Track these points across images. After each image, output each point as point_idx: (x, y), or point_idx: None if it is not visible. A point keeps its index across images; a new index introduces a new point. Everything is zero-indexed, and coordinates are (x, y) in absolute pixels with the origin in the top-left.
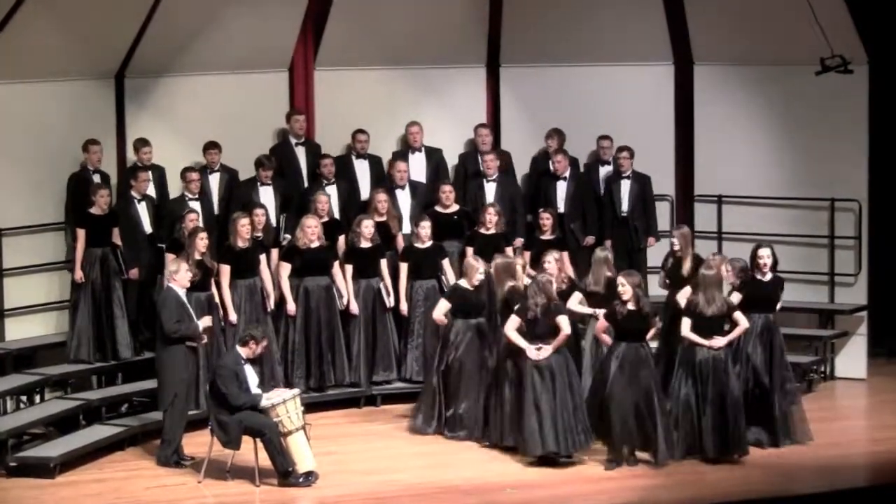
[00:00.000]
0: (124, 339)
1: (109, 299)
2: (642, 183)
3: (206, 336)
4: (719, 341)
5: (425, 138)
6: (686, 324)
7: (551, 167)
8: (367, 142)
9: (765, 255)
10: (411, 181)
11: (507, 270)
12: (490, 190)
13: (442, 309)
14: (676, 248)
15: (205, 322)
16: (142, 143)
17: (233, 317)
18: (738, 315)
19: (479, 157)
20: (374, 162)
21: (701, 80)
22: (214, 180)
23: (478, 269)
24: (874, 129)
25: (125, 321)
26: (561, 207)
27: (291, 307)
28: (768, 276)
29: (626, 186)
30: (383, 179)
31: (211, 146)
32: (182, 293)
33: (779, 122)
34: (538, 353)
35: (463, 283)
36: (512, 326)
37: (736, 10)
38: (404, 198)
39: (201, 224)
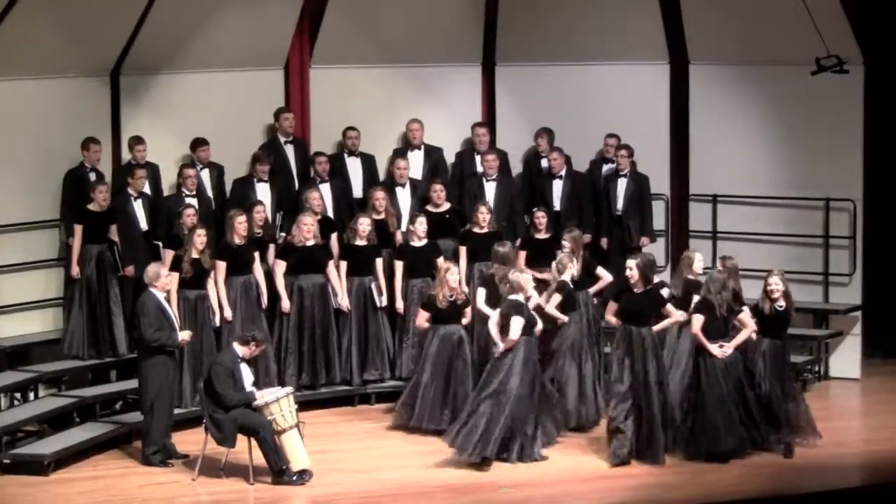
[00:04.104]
0: (121, 336)
1: (106, 296)
2: (639, 182)
3: (184, 344)
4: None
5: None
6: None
7: (545, 165)
8: (358, 138)
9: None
10: (412, 179)
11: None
12: (490, 189)
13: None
14: (567, 249)
15: (184, 335)
16: (136, 140)
17: (228, 313)
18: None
19: (479, 157)
20: (367, 160)
21: (697, 79)
22: (205, 176)
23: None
24: (869, 129)
25: (122, 318)
26: (557, 206)
27: (286, 304)
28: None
29: (622, 185)
30: (376, 177)
31: (202, 143)
32: (162, 298)
33: (774, 122)
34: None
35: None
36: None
37: (732, 10)
38: (404, 196)
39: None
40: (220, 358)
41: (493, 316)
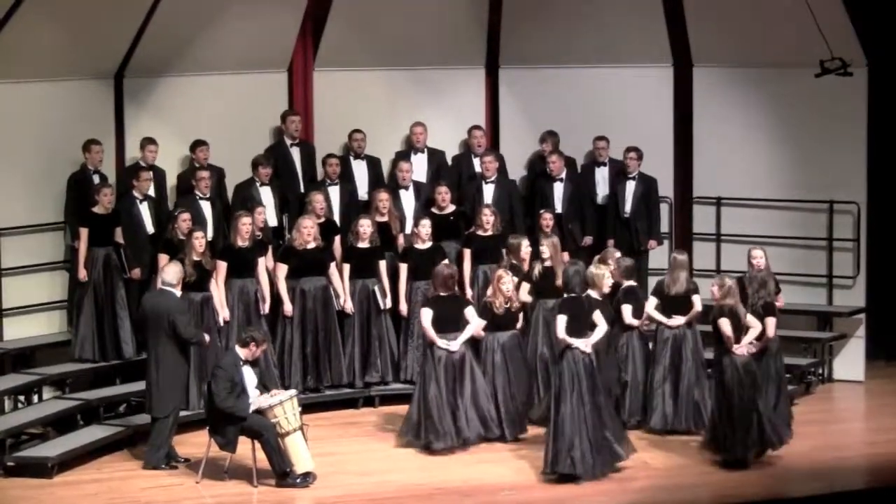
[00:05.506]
0: (128, 338)
1: (112, 299)
2: (647, 184)
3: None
4: (678, 320)
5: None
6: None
7: (547, 168)
8: (364, 141)
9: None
10: (415, 182)
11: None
12: (489, 191)
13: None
14: (546, 256)
15: (207, 336)
16: (148, 141)
17: (225, 314)
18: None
19: (477, 160)
20: (373, 162)
21: (700, 82)
22: None
23: (605, 276)
24: (873, 131)
25: (128, 320)
26: (558, 208)
27: (288, 308)
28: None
29: (630, 187)
30: (382, 180)
31: (201, 143)
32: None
33: (778, 125)
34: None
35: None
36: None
37: (735, 13)
38: (408, 198)
39: (199, 224)
40: (223, 362)
41: (560, 320)
